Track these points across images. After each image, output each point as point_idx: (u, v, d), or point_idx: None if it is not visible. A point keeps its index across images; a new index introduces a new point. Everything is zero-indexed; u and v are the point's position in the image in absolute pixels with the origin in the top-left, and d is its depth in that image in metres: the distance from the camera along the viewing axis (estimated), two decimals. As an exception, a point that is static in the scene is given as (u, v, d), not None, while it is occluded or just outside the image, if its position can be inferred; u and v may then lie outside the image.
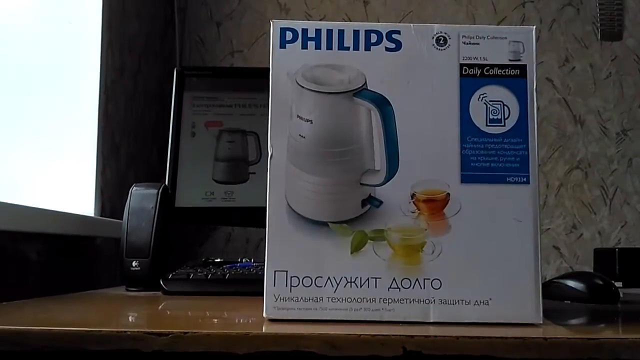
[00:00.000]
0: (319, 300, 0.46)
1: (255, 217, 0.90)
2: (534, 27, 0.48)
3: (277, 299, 0.46)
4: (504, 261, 0.46)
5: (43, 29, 0.92)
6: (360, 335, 0.39)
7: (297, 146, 0.47)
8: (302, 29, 0.48)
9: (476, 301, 0.45)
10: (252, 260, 0.84)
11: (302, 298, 0.46)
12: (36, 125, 0.91)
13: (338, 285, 0.46)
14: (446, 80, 0.47)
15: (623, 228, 1.32)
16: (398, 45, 0.48)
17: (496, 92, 0.47)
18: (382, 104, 0.47)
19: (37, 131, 0.91)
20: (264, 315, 0.46)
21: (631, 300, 0.72)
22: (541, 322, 0.45)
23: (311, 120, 0.47)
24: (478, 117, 0.47)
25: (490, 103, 0.47)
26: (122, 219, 0.79)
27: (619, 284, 0.70)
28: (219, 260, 0.85)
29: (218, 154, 0.92)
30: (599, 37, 1.36)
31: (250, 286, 0.69)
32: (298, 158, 0.47)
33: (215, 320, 0.49)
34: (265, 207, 0.47)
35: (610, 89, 1.35)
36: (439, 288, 0.45)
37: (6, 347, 0.39)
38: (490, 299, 0.45)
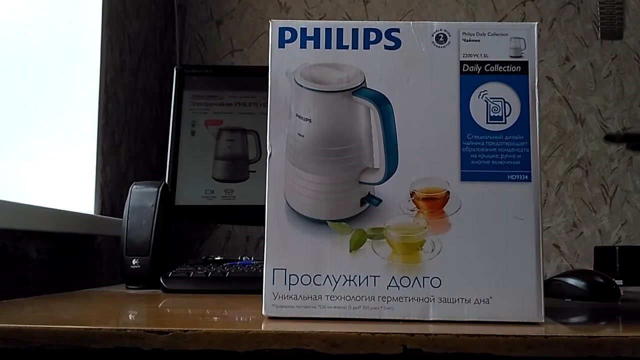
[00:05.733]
0: (317, 298, 0.46)
1: (255, 215, 0.90)
2: (536, 23, 0.48)
3: (275, 297, 0.46)
4: (505, 259, 0.46)
5: (43, 28, 0.92)
6: (361, 333, 0.39)
7: (296, 145, 0.47)
8: (301, 29, 0.48)
9: (476, 300, 0.45)
10: (252, 259, 0.84)
11: (300, 296, 0.46)
12: (36, 123, 0.91)
13: (337, 283, 0.46)
14: (446, 77, 0.47)
15: (623, 226, 1.32)
16: (397, 43, 0.48)
17: (497, 89, 0.47)
18: (381, 102, 0.47)
19: (37, 129, 0.91)
20: (263, 313, 0.46)
21: (632, 298, 0.72)
22: (543, 321, 0.45)
23: (310, 119, 0.47)
24: (478, 114, 0.47)
25: (491, 100, 0.47)
26: (122, 217, 0.79)
27: (619, 282, 0.70)
28: (219, 258, 0.85)
29: (218, 153, 0.92)
30: (599, 36, 1.35)
31: (250, 284, 0.69)
32: (297, 157, 0.47)
33: (215, 318, 0.49)
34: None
35: (611, 87, 1.35)
36: (439, 286, 0.45)
37: (6, 345, 0.39)
38: (491, 298, 0.45)
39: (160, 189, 0.80)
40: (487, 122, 0.47)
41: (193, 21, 1.36)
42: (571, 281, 0.68)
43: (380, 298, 0.45)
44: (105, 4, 1.00)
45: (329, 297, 0.46)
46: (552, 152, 1.34)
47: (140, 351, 0.39)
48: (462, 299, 0.45)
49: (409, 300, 0.45)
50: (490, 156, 0.47)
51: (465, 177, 0.46)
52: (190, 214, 0.92)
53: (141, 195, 0.80)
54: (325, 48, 0.48)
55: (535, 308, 0.45)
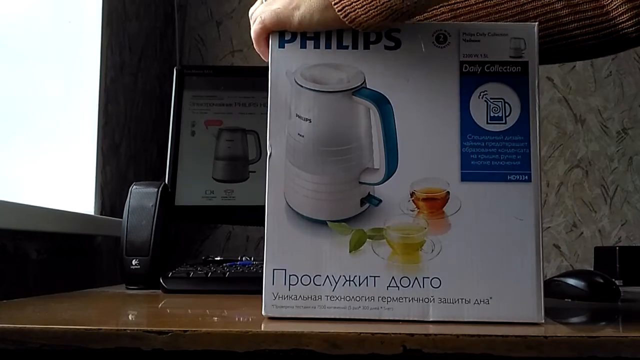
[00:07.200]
0: (317, 298, 0.46)
1: (255, 215, 0.90)
2: (536, 23, 0.48)
3: (275, 297, 0.46)
4: (505, 260, 0.46)
5: (43, 28, 0.92)
6: (360, 333, 0.39)
7: (296, 145, 0.47)
8: (301, 29, 0.48)
9: (476, 300, 0.45)
10: (252, 259, 0.84)
11: (300, 296, 0.46)
12: (36, 124, 0.91)
13: (337, 283, 0.46)
14: (446, 78, 0.47)
15: (623, 226, 1.32)
16: (397, 44, 0.48)
17: (497, 90, 0.47)
18: (381, 102, 0.47)
19: (37, 130, 0.91)
20: (263, 313, 0.46)
21: (632, 298, 0.72)
22: (543, 321, 0.45)
23: (310, 119, 0.47)
24: (479, 114, 0.47)
25: (491, 101, 0.47)
26: (122, 217, 0.79)
27: (619, 282, 0.70)
28: (219, 258, 0.85)
29: (218, 153, 0.92)
30: (599, 36, 1.35)
31: (250, 284, 0.69)
32: (297, 157, 0.47)
33: (215, 318, 0.49)
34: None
35: (611, 87, 1.35)
36: (439, 287, 0.45)
37: (6, 345, 0.39)
38: (491, 298, 0.45)
39: (160, 189, 0.80)
40: (487, 123, 0.47)
41: (193, 21, 1.36)
42: (571, 281, 0.69)
43: (380, 298, 0.45)
44: (105, 4, 1.00)
45: (328, 297, 0.46)
46: (552, 153, 1.34)
47: (140, 351, 0.39)
48: (462, 299, 0.45)
49: (409, 301, 0.45)
50: (491, 156, 0.47)
51: (465, 178, 0.46)
52: (190, 215, 0.92)
53: (141, 196, 0.80)
54: (325, 48, 0.48)
55: (535, 308, 0.45)
